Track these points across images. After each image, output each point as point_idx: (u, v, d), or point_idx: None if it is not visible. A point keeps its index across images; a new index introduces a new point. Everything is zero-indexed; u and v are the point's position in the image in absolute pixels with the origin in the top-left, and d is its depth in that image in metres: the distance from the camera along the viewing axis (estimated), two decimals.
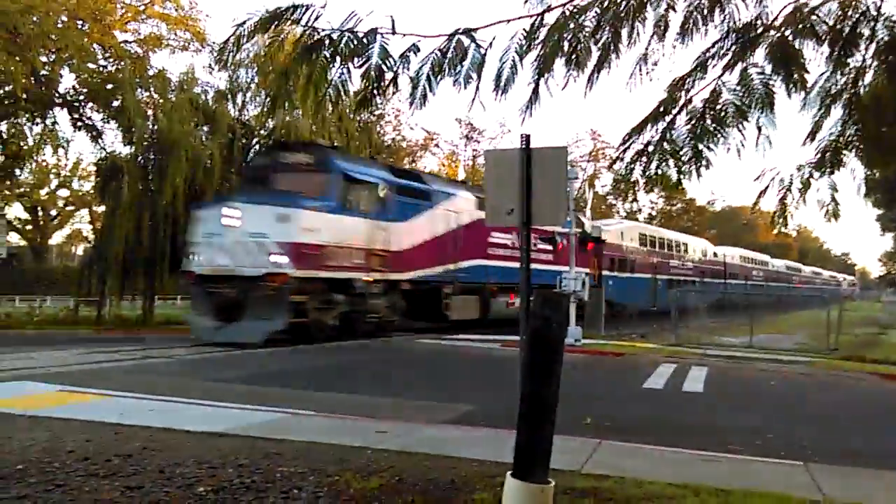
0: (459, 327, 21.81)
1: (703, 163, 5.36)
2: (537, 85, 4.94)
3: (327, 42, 4.37)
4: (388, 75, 4.57)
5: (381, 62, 4.47)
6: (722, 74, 5.32)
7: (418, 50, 4.60)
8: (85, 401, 8.78)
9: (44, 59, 24.52)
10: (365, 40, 4.40)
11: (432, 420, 8.22)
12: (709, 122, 5.31)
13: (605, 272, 32.45)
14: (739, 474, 6.12)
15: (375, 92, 4.63)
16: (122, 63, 25.84)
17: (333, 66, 4.43)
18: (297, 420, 8.00)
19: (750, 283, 53.23)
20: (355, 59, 4.45)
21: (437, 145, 51.44)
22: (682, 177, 5.46)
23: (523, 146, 5.58)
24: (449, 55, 4.64)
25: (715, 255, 49.53)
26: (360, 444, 6.67)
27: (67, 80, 27.07)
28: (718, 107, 5.30)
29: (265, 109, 24.89)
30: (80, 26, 25.35)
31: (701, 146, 5.33)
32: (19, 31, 22.47)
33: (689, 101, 5.44)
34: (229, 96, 26.33)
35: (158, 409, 8.22)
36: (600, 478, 5.72)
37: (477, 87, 4.74)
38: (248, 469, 5.66)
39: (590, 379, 13.28)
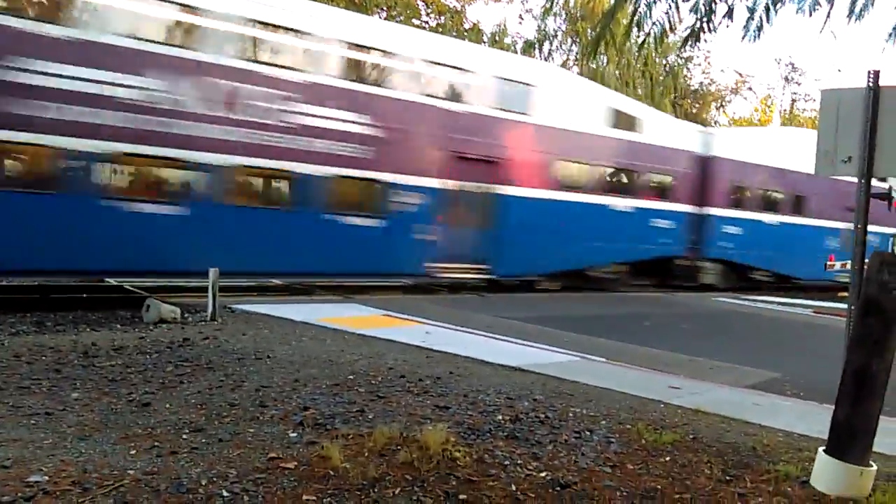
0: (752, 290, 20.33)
1: None
2: None
3: None
4: (722, 7, 4.25)
5: None
6: None
7: None
8: (403, 325, 9.84)
9: (376, 16, 27.23)
10: None
11: (731, 382, 7.77)
12: None
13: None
14: None
15: (705, 26, 4.33)
16: (443, 18, 27.66)
17: (658, 2, 4.24)
18: (588, 364, 8.12)
19: None
20: None
21: (749, 88, 47.25)
22: None
23: (870, 84, 4.82)
24: None
25: None
26: (653, 397, 6.56)
27: None
28: None
29: (574, 57, 24.89)
30: None
31: None
32: None
33: None
34: (537, 45, 26.82)
35: (462, 341, 8.92)
36: None
37: (828, 15, 4.21)
38: (542, 405, 5.90)
39: None
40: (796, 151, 20.52)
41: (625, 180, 18.20)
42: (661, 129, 18.79)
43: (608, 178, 17.85)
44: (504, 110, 15.45)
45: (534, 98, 15.96)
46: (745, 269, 21.03)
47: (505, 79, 15.57)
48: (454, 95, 14.93)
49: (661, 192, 18.85)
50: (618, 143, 17.54)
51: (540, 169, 16.10)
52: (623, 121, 17.66)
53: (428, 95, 14.49)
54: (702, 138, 20.23)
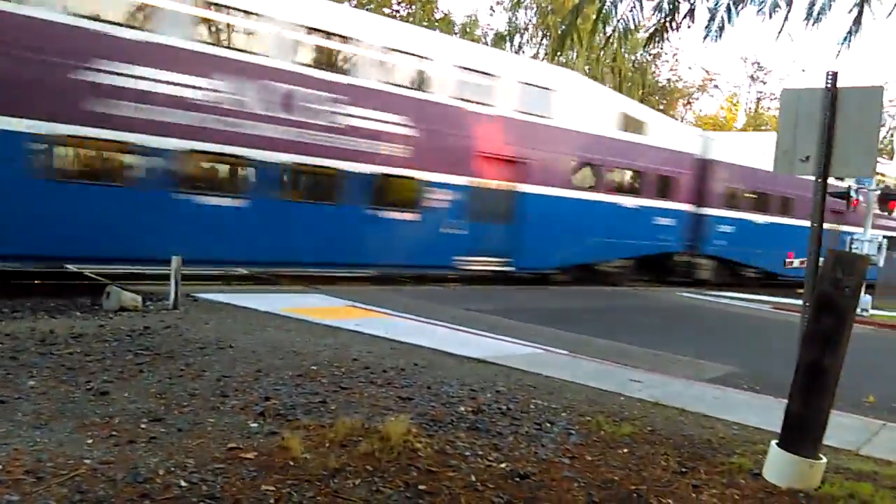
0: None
1: None
2: (861, 11, 4.34)
3: None
4: (684, 7, 4.30)
5: None
6: None
7: None
8: (368, 316, 9.82)
9: (346, 4, 26.96)
10: None
11: (690, 376, 7.91)
12: None
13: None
14: None
15: (668, 26, 4.38)
16: (414, 7, 27.54)
17: (622, 0, 4.28)
18: (551, 357, 8.19)
19: None
20: None
21: (716, 86, 47.99)
22: None
23: (828, 85, 4.92)
24: None
25: None
26: (614, 390, 6.66)
27: None
28: None
29: (544, 50, 24.98)
30: None
31: None
32: None
33: None
34: (507, 38, 26.87)
35: (427, 333, 8.93)
36: (882, 462, 5.11)
37: (786, 17, 4.29)
38: (504, 396, 5.95)
39: (878, 354, 11.78)
40: None
41: None
42: None
43: None
44: None
45: None
46: None
47: None
48: None
49: None
50: None
51: None
52: None
53: None
54: None
